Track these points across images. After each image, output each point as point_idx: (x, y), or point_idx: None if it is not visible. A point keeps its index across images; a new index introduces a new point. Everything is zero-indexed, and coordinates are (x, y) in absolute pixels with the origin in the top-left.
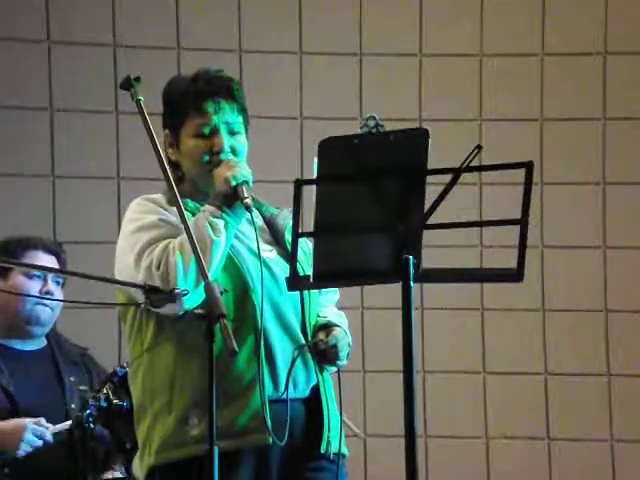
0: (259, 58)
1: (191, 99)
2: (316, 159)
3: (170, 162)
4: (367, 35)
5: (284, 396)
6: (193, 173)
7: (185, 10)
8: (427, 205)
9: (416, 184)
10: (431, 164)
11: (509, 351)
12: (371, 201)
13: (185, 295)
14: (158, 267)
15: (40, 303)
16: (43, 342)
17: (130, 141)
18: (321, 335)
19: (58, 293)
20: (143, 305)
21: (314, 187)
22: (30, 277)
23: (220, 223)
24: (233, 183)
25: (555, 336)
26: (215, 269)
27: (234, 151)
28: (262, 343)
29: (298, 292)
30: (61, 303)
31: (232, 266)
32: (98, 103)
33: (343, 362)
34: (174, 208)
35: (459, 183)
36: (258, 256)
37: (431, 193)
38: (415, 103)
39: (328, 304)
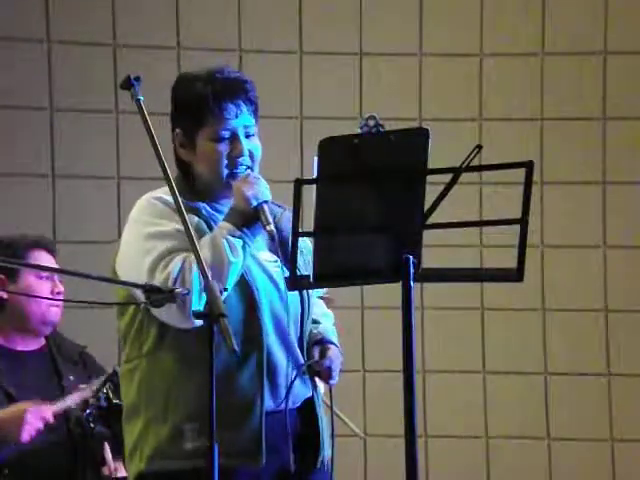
0: (259, 58)
1: (210, 102)
2: (316, 159)
3: (180, 161)
4: (367, 35)
5: (280, 407)
6: (210, 177)
7: (185, 10)
8: (427, 205)
9: (416, 184)
10: (431, 164)
11: (509, 351)
12: (371, 201)
13: (185, 295)
14: (175, 283)
15: (53, 305)
16: (42, 341)
17: (130, 141)
18: (316, 354)
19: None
20: (143, 305)
21: (314, 187)
22: (40, 278)
23: (238, 243)
24: (254, 203)
25: (555, 336)
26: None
27: (252, 155)
28: (265, 361)
29: (299, 307)
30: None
31: (243, 284)
32: (98, 103)
33: (334, 381)
34: (189, 215)
35: (459, 183)
36: (267, 272)
37: (431, 193)
38: (415, 103)
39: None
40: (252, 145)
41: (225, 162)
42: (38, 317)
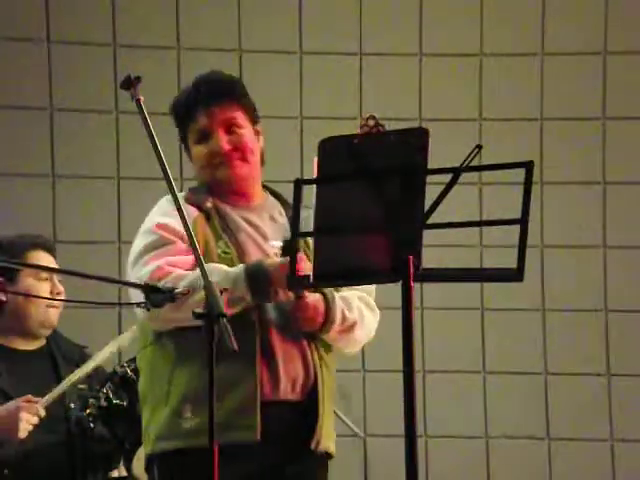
0: (259, 58)
1: (185, 108)
2: (316, 159)
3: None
4: (367, 35)
5: (280, 398)
6: (200, 176)
7: (185, 10)
8: (427, 205)
9: (416, 184)
10: (431, 164)
11: (509, 351)
12: (371, 201)
13: (185, 295)
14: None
15: (52, 305)
16: (42, 341)
17: (130, 141)
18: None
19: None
20: (143, 305)
21: (314, 187)
22: (40, 279)
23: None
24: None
25: (555, 336)
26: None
27: (236, 146)
28: (257, 341)
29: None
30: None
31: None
32: (98, 103)
33: (330, 327)
34: (189, 207)
35: (459, 183)
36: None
37: (431, 193)
38: (415, 103)
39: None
40: (236, 137)
41: (204, 161)
42: (37, 319)
